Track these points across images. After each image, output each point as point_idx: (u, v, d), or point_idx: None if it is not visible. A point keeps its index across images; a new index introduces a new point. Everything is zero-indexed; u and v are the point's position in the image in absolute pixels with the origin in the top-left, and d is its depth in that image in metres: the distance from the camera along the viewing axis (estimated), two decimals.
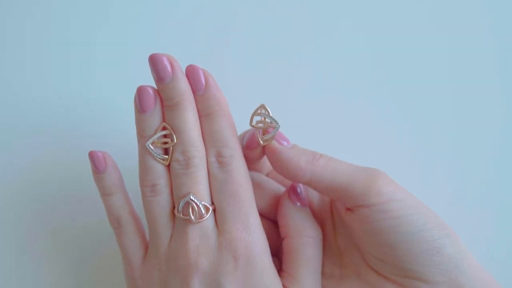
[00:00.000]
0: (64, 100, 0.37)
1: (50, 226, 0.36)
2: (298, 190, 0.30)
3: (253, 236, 0.27)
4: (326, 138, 0.35)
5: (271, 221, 0.32)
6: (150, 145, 0.28)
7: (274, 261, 0.28)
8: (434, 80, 0.38)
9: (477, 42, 0.38)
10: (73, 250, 0.36)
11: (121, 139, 0.36)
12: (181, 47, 0.37)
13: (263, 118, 0.28)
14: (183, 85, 0.28)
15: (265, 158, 0.30)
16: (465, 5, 0.38)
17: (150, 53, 0.27)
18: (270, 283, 0.27)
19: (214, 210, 0.28)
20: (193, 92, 0.28)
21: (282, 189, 0.32)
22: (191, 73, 0.28)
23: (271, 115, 0.27)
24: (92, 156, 0.29)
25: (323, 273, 0.30)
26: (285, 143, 0.28)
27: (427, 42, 0.38)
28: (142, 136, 0.28)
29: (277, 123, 0.27)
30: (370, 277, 0.28)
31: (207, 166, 0.28)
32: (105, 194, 0.30)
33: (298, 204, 0.30)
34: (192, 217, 0.27)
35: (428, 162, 0.37)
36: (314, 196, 0.31)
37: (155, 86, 0.28)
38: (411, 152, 0.37)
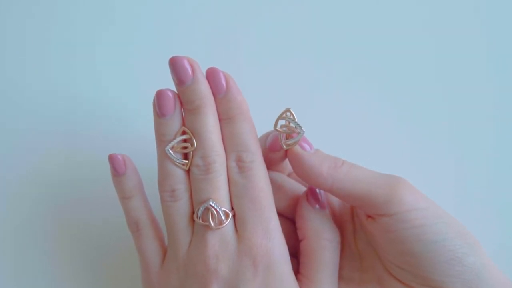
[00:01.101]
0: (83, 103, 0.37)
1: (67, 230, 0.36)
2: (317, 192, 0.30)
3: (273, 242, 0.27)
4: (340, 141, 0.35)
5: (291, 221, 0.31)
6: (169, 150, 0.27)
7: (292, 262, 0.28)
8: (437, 82, 0.37)
9: (480, 43, 0.37)
10: (89, 253, 0.36)
11: (140, 142, 0.35)
12: (198, 49, 0.37)
13: (287, 123, 0.27)
14: (204, 88, 0.27)
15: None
16: (468, 3, 0.38)
17: (170, 56, 0.27)
18: None
19: (233, 216, 0.27)
20: (214, 95, 0.28)
21: (303, 189, 0.31)
22: (212, 76, 0.27)
23: (296, 120, 0.27)
24: (112, 159, 0.29)
25: (342, 277, 0.29)
26: (307, 147, 0.28)
27: (433, 44, 0.38)
28: (161, 140, 0.28)
29: (302, 129, 0.27)
30: (391, 284, 0.28)
31: (227, 170, 0.28)
32: (124, 197, 0.29)
33: (317, 206, 0.29)
34: (212, 224, 0.26)
35: (432, 164, 0.37)
36: (335, 198, 0.31)
37: (173, 89, 0.28)
38: (415, 154, 0.37)
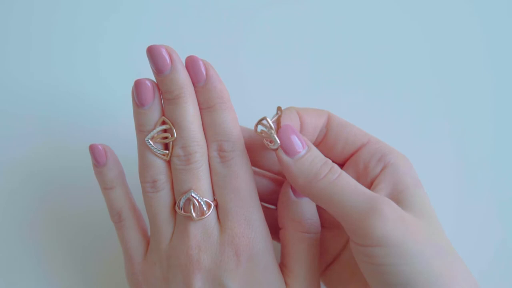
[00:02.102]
0: (65, 93, 0.36)
1: (51, 221, 0.35)
2: None
3: (256, 232, 0.26)
4: None
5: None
6: (149, 140, 0.27)
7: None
8: (435, 83, 0.37)
9: (477, 43, 0.37)
10: (74, 245, 0.35)
11: (122, 132, 0.35)
12: (184, 41, 0.36)
13: (265, 129, 0.26)
14: (183, 77, 0.26)
15: None
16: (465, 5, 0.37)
17: (148, 45, 0.26)
18: (272, 280, 0.26)
19: (216, 206, 0.27)
20: (193, 84, 0.27)
21: None
22: (191, 64, 0.27)
23: (272, 130, 0.25)
24: (92, 149, 0.29)
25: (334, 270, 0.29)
26: (299, 146, 0.25)
27: (431, 44, 0.37)
28: (140, 130, 0.27)
29: (277, 141, 0.25)
30: None
31: (208, 160, 0.27)
32: (105, 188, 0.29)
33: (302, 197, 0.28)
34: (194, 214, 0.26)
35: (432, 164, 0.36)
36: None
37: (152, 79, 0.27)
38: (414, 154, 0.36)
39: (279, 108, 0.26)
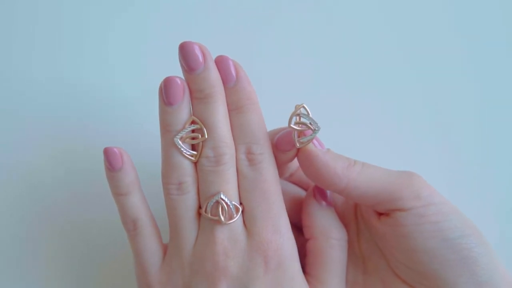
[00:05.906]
0: (74, 93, 0.34)
1: (55, 226, 0.33)
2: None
3: (283, 239, 0.26)
4: (346, 140, 0.35)
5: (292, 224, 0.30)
6: (179, 140, 0.26)
7: None
8: (432, 82, 0.38)
9: (475, 48, 0.38)
10: (77, 251, 0.34)
11: (132, 134, 0.33)
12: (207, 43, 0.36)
13: (298, 118, 0.26)
14: (215, 75, 0.26)
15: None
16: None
17: (180, 42, 0.25)
18: None
19: (242, 211, 0.26)
20: (223, 85, 0.26)
21: (303, 192, 0.31)
22: (221, 64, 0.26)
23: (311, 115, 0.25)
24: (107, 152, 0.27)
25: (346, 280, 0.29)
26: (319, 146, 0.26)
27: (439, 46, 0.38)
28: (167, 130, 0.26)
29: (317, 125, 0.25)
30: (396, 286, 0.27)
31: (236, 163, 0.26)
32: (120, 193, 0.27)
33: (324, 203, 0.28)
34: (222, 218, 0.25)
35: (433, 163, 0.37)
36: (337, 198, 0.30)
37: (180, 77, 0.26)
38: (417, 152, 0.37)
39: (302, 105, 0.26)
